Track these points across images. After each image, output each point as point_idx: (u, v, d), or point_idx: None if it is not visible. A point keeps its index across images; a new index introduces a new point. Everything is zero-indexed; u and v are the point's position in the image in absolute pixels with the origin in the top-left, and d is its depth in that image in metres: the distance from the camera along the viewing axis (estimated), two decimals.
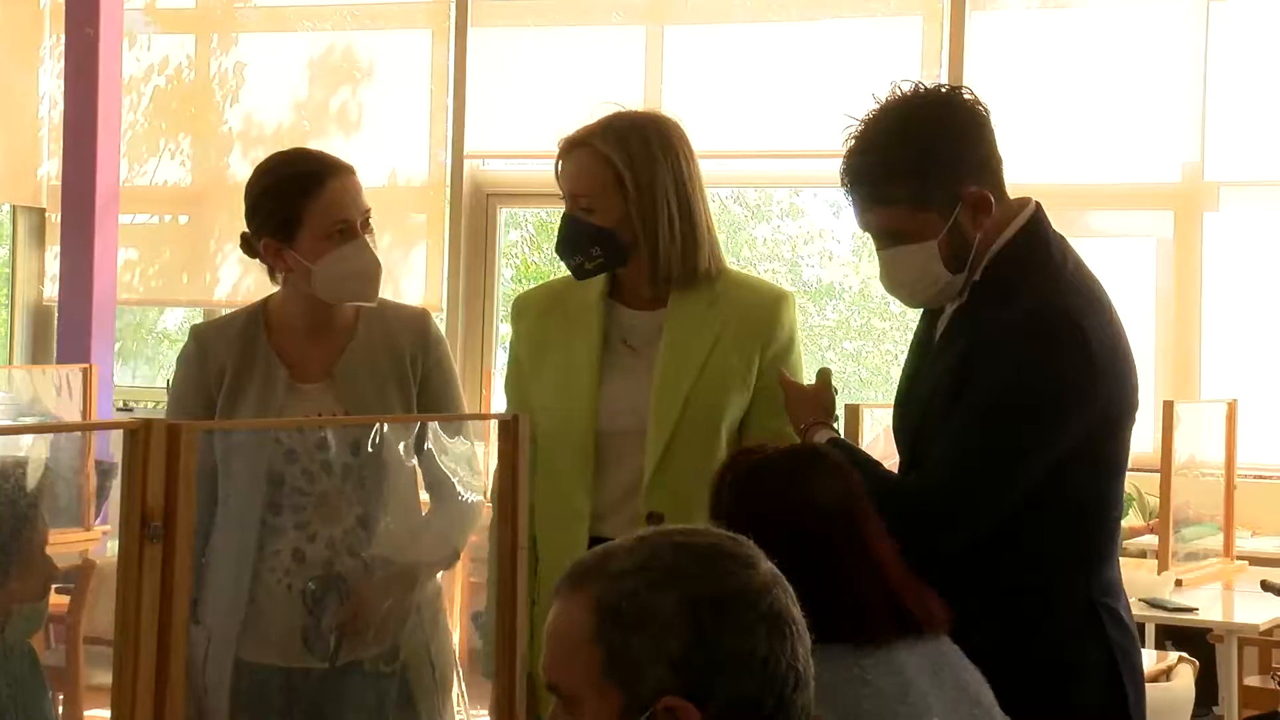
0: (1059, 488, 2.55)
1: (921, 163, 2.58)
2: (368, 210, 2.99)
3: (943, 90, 2.69)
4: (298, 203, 2.92)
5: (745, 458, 2.41)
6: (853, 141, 2.61)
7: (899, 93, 2.62)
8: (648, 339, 2.92)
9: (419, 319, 3.12)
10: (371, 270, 2.98)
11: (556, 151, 2.95)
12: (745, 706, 1.56)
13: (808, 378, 2.96)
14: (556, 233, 2.95)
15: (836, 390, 2.86)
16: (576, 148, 2.91)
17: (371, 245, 2.98)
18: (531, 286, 3.15)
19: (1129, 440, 2.70)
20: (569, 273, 3.03)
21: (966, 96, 2.66)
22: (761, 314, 2.94)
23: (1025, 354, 2.53)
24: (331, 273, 2.94)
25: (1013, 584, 2.54)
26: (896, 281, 2.68)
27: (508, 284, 9.00)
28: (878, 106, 2.62)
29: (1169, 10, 7.49)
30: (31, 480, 2.62)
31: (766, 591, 1.59)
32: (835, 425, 2.83)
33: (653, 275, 2.90)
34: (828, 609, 2.08)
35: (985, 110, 2.64)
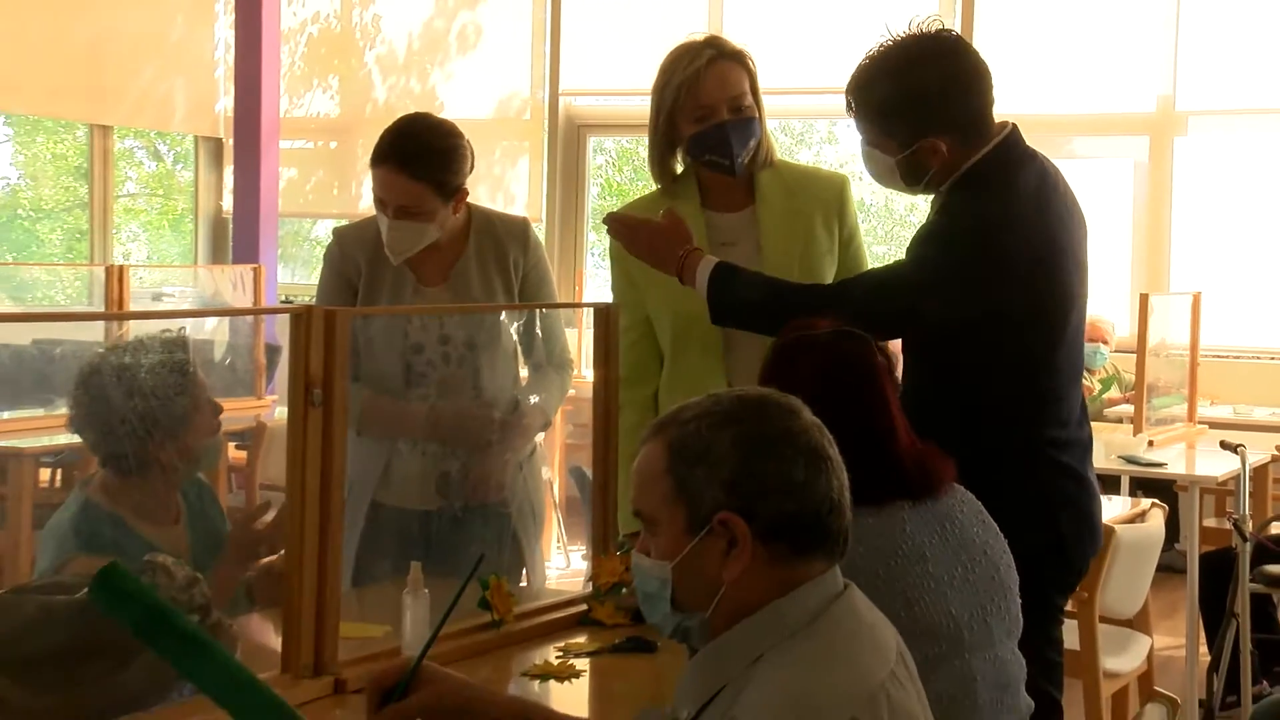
0: (996, 360, 2.53)
1: (895, 108, 2.53)
2: (407, 207, 2.85)
3: (944, 43, 2.56)
4: (372, 169, 2.90)
5: (795, 328, 2.31)
6: (860, 67, 2.57)
7: (899, 44, 2.54)
8: (741, 234, 2.82)
9: (521, 227, 3.07)
10: (390, 243, 2.88)
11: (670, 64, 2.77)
12: (786, 523, 1.57)
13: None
14: (712, 140, 2.74)
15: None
16: (725, 59, 2.75)
17: (403, 231, 2.86)
18: (619, 206, 3.01)
19: (1063, 336, 2.59)
20: (643, 198, 2.93)
21: (962, 47, 2.59)
22: (835, 195, 2.87)
23: (954, 250, 2.51)
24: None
25: (979, 443, 2.44)
26: (866, 166, 2.67)
27: (594, 199, 8.97)
28: (886, 46, 2.55)
29: None
30: (196, 349, 2.64)
31: (805, 433, 1.60)
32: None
33: (759, 161, 2.81)
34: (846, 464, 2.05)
35: (975, 62, 2.55)
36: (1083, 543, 2.63)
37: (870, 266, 2.89)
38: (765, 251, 2.78)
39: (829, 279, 2.81)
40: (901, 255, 2.62)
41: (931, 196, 2.67)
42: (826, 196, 2.85)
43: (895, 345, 2.78)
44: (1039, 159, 2.61)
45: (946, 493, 2.19)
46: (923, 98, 2.52)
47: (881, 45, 2.55)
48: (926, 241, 2.55)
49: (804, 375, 2.13)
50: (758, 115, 2.78)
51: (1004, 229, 2.50)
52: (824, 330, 2.27)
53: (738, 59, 2.77)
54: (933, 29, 2.56)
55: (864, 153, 2.64)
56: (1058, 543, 2.55)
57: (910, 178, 2.58)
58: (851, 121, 2.62)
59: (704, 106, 2.72)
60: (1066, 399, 2.62)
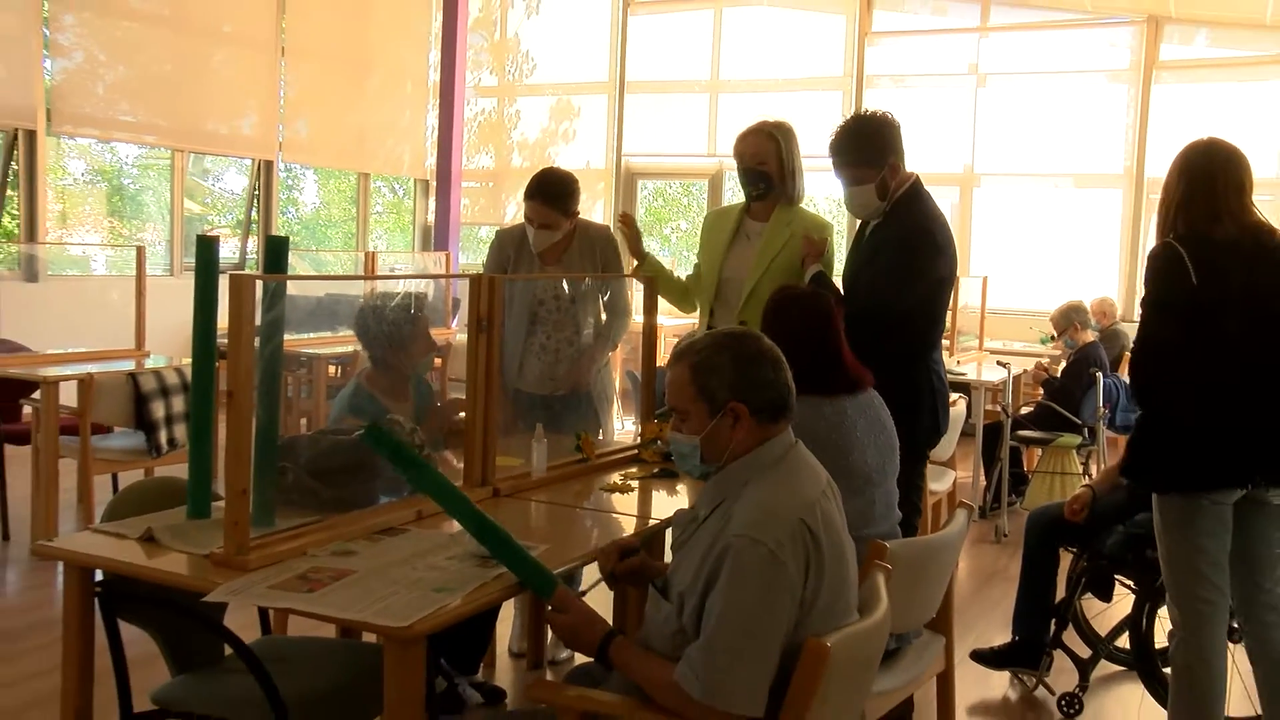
0: (923, 318, 2.48)
1: (866, 147, 2.49)
2: (546, 223, 2.77)
3: (877, 114, 2.55)
4: (525, 200, 2.82)
5: (784, 288, 2.28)
6: (835, 135, 2.53)
7: (855, 116, 2.55)
8: (755, 235, 2.75)
9: (605, 231, 3.00)
10: (534, 243, 2.82)
11: (735, 141, 2.75)
12: (767, 404, 1.53)
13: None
14: (742, 176, 2.71)
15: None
16: (757, 134, 2.71)
17: (542, 235, 2.79)
18: (711, 211, 2.98)
19: (949, 296, 2.57)
20: (725, 206, 2.89)
21: (889, 118, 2.54)
22: (817, 231, 2.74)
23: (905, 254, 2.43)
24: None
25: (897, 363, 2.42)
26: (854, 204, 2.56)
27: (641, 219, 8.86)
28: (848, 119, 2.54)
29: (957, 92, 7.27)
30: (417, 299, 2.62)
31: (771, 350, 1.55)
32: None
33: (782, 200, 2.72)
34: (812, 371, 2.01)
35: (897, 124, 2.54)
36: (945, 418, 2.61)
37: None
38: (760, 248, 2.71)
39: (790, 278, 2.68)
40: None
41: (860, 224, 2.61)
42: (810, 230, 2.72)
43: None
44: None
45: (866, 391, 2.16)
46: (879, 134, 2.49)
47: (842, 123, 2.54)
48: (899, 249, 2.44)
49: (792, 316, 2.12)
50: (768, 170, 2.69)
51: (933, 236, 2.45)
52: (801, 289, 2.28)
53: (766, 134, 2.70)
54: (866, 111, 2.55)
55: (848, 195, 2.54)
56: (935, 418, 2.54)
57: (882, 193, 2.49)
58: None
59: (738, 156, 2.73)
60: (939, 338, 2.61)
